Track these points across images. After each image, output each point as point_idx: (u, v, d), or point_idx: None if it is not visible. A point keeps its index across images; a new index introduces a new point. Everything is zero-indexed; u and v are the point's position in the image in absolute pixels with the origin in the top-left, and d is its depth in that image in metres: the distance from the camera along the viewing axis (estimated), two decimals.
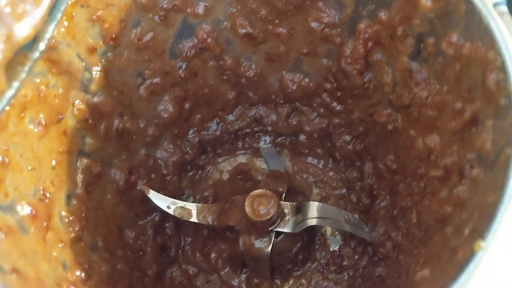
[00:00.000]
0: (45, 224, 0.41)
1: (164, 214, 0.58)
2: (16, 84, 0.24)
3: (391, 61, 0.48)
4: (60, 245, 0.42)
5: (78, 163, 0.48)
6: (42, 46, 0.24)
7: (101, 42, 0.47)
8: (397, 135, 0.51)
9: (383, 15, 0.45)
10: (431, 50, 0.42)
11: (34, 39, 0.24)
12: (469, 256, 0.29)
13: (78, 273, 0.41)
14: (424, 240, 0.45)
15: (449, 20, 0.39)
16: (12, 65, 0.23)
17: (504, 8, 0.34)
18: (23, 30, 0.22)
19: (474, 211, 0.34)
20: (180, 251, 0.60)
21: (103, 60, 0.48)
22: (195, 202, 0.62)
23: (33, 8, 0.22)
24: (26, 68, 0.24)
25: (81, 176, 0.48)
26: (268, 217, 0.51)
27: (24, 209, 0.39)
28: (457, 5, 0.37)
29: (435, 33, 0.41)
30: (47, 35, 0.24)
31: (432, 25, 0.41)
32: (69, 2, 0.26)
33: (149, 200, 0.55)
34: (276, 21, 0.52)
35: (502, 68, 0.33)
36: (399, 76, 0.47)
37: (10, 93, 0.24)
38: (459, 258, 0.31)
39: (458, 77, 0.39)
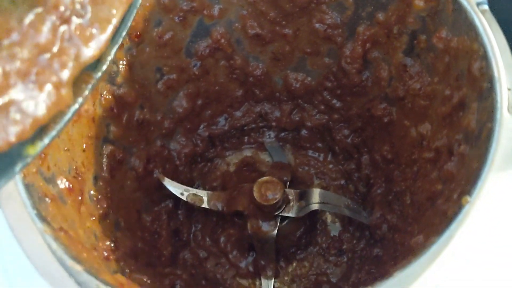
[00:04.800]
0: (80, 198, 0.45)
1: (176, 202, 0.62)
2: (80, 99, 0.25)
3: (388, 57, 0.53)
4: (92, 218, 0.46)
5: (103, 149, 0.53)
6: (104, 67, 0.26)
7: (127, 39, 0.52)
8: (392, 126, 0.56)
9: (380, 16, 0.51)
10: (423, 46, 0.48)
11: (98, 60, 0.25)
12: (457, 210, 0.34)
13: (107, 243, 0.46)
14: (417, 217, 0.49)
15: (439, 18, 0.45)
16: (77, 83, 0.25)
17: (486, 6, 0.39)
18: (89, 52, 0.24)
19: (462, 180, 0.39)
20: (191, 236, 0.64)
21: (128, 55, 0.53)
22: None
23: (99, 33, 0.25)
24: (90, 86, 0.25)
25: (106, 161, 0.53)
26: (274, 202, 0.56)
27: (62, 183, 0.43)
28: (446, 4, 0.43)
29: (426, 30, 0.47)
30: (109, 57, 0.26)
31: (424, 23, 0.47)
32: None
33: (164, 187, 0.60)
34: (283, 22, 0.57)
35: (485, 56, 0.38)
36: (394, 71, 0.52)
37: (74, 107, 0.25)
38: (449, 215, 0.35)
39: (447, 68, 0.45)
